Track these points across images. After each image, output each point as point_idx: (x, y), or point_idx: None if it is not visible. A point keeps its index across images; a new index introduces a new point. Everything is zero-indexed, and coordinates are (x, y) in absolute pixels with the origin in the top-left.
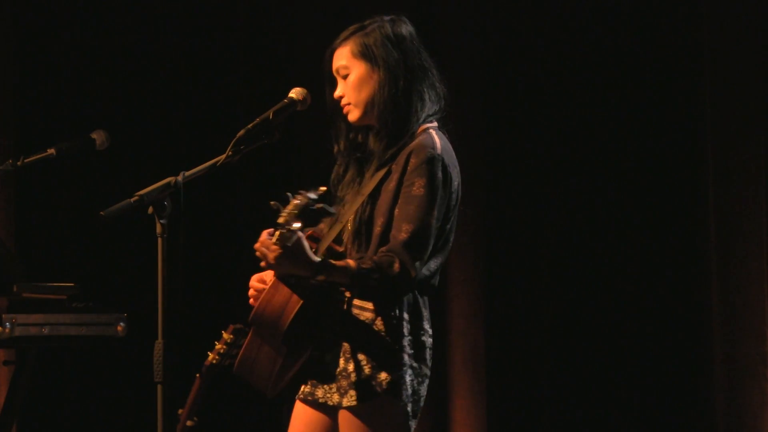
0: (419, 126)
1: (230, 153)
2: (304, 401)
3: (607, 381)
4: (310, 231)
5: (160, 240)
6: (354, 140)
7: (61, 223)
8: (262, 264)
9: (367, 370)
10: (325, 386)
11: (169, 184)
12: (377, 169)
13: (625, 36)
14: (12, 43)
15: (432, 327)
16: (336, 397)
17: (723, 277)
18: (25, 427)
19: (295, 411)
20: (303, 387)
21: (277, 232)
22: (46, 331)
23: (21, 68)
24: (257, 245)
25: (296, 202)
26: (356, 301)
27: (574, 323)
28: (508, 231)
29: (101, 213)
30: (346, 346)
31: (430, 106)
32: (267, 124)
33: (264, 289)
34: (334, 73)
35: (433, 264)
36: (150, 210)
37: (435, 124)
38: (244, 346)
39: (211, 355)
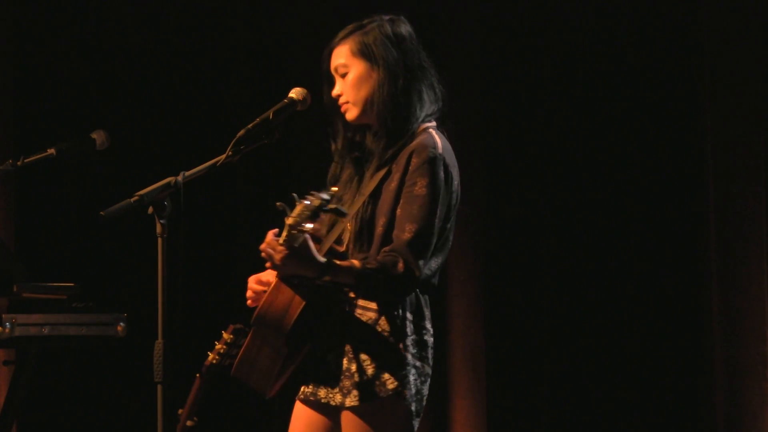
0: (419, 125)
1: (230, 153)
2: (305, 402)
3: (607, 381)
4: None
5: (160, 240)
6: (351, 139)
7: (61, 223)
8: (267, 265)
9: (370, 370)
10: (327, 386)
11: (169, 184)
12: (377, 169)
13: (625, 36)
14: (12, 43)
15: (432, 326)
16: (339, 397)
17: (723, 277)
18: (25, 427)
19: (295, 412)
20: (303, 388)
21: (284, 233)
22: (46, 331)
23: (21, 68)
24: (263, 246)
25: (307, 202)
26: (360, 301)
27: (574, 323)
28: (508, 231)
29: (101, 213)
30: (349, 346)
31: (428, 106)
32: (267, 124)
33: (262, 291)
34: (332, 72)
35: (434, 263)
36: (150, 210)
37: (434, 123)
38: (244, 346)
39: (211, 355)
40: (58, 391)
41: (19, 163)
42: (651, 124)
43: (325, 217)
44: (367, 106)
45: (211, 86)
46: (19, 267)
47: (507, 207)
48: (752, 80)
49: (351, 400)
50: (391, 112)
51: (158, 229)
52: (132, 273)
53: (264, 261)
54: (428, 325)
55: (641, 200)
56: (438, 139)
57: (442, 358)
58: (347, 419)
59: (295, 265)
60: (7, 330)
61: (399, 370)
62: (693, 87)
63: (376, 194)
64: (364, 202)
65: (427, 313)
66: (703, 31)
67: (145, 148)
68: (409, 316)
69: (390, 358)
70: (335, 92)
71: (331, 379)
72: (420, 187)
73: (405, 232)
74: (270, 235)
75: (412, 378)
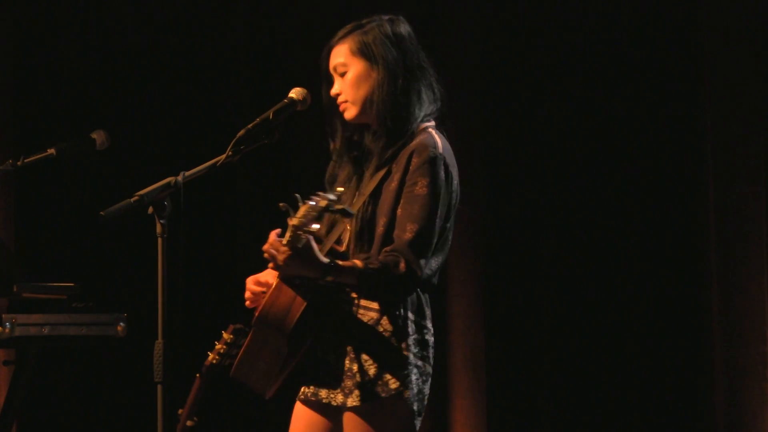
0: (418, 125)
1: (230, 153)
2: (305, 402)
3: (607, 381)
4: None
5: (160, 240)
6: (350, 139)
7: (61, 223)
8: (270, 265)
9: (372, 370)
10: (328, 387)
11: (169, 184)
12: (377, 169)
13: (625, 35)
14: (12, 43)
15: (432, 326)
16: (340, 398)
17: (723, 277)
18: (25, 427)
19: (295, 412)
20: (304, 388)
21: (288, 233)
22: (46, 331)
23: (21, 68)
24: (266, 246)
25: (312, 203)
26: (361, 302)
27: (574, 323)
28: (508, 231)
29: (101, 213)
30: (350, 346)
31: (427, 106)
32: (267, 124)
33: (260, 291)
34: (331, 71)
35: (434, 263)
36: (150, 210)
37: (433, 123)
38: (244, 347)
39: (211, 355)
40: (58, 391)
41: (19, 163)
42: (651, 123)
43: (325, 217)
44: (366, 105)
45: (211, 86)
46: (19, 267)
47: (507, 207)
48: (752, 80)
49: (353, 401)
50: (390, 112)
51: (158, 229)
52: (132, 273)
53: (264, 261)
54: (429, 325)
55: (641, 200)
56: (438, 138)
57: (442, 358)
58: (349, 419)
59: (299, 266)
60: (7, 330)
61: (401, 370)
62: (693, 87)
63: (376, 194)
64: (364, 202)
65: (428, 312)
66: (703, 31)
67: (145, 148)
68: (410, 315)
69: (392, 358)
70: (334, 91)
71: (333, 380)
72: (421, 187)
73: (406, 231)
74: (273, 235)
75: (414, 378)
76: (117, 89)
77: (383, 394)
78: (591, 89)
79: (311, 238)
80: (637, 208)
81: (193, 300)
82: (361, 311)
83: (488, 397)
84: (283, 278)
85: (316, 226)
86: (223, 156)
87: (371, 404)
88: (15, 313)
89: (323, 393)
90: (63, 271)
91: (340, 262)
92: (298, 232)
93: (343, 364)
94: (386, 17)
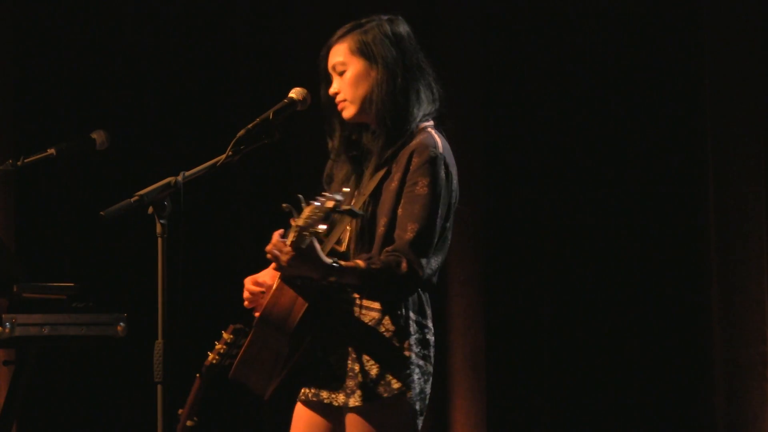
0: (417, 125)
1: (230, 153)
2: (306, 403)
3: (607, 381)
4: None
5: (160, 240)
6: (348, 138)
7: (61, 223)
8: (273, 266)
9: (374, 370)
10: (330, 387)
11: (169, 184)
12: (377, 169)
13: (626, 36)
14: (12, 43)
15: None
16: (342, 398)
17: (723, 277)
18: (25, 427)
19: (296, 413)
20: (305, 389)
21: (291, 234)
22: (46, 331)
23: (21, 68)
24: (269, 247)
25: (318, 204)
26: (363, 302)
27: (574, 323)
28: (508, 231)
29: (101, 213)
30: (352, 346)
31: (426, 106)
32: (267, 124)
33: (259, 292)
34: (330, 70)
35: (435, 262)
36: (150, 210)
37: (432, 123)
38: (244, 347)
39: (211, 355)
40: (58, 391)
41: (19, 163)
42: (651, 124)
43: (331, 218)
44: (365, 104)
45: (211, 86)
46: (19, 267)
47: (507, 207)
48: (752, 80)
49: (355, 401)
50: (389, 111)
51: (158, 229)
52: (132, 273)
53: (265, 261)
54: (430, 324)
55: (641, 200)
56: (438, 138)
57: (442, 358)
58: (351, 420)
59: (302, 267)
60: (7, 330)
61: (403, 369)
62: (693, 87)
63: (376, 194)
64: (364, 202)
65: (429, 311)
66: (703, 31)
67: (145, 148)
68: (412, 315)
69: (393, 358)
70: (332, 90)
71: (334, 380)
72: (421, 187)
73: (407, 231)
74: (276, 236)
75: (416, 377)
76: (117, 89)
77: (385, 394)
78: (591, 89)
79: (314, 239)
80: (637, 208)
81: (193, 300)
82: (362, 311)
83: (488, 397)
84: (285, 279)
85: (323, 227)
86: (223, 156)
87: (373, 404)
88: (15, 313)
89: (324, 394)
90: (63, 271)
91: (343, 263)
92: (304, 233)
93: (345, 365)
94: (386, 17)
